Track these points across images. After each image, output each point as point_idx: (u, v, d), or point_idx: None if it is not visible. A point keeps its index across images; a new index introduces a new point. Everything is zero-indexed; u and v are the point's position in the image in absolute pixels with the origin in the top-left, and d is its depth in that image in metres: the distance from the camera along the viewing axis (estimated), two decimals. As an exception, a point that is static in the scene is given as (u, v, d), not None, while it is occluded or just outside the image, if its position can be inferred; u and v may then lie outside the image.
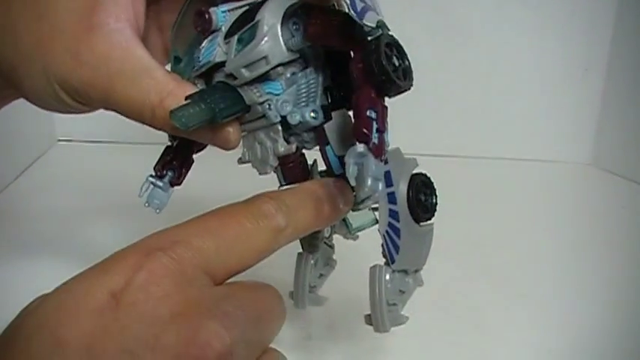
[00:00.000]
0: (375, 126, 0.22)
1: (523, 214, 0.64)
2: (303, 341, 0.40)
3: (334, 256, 0.34)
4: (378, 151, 0.21)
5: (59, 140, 0.77)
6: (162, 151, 0.31)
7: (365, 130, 0.21)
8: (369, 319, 0.27)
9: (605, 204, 0.69)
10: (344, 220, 0.29)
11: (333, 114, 0.26)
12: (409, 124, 0.73)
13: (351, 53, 0.23)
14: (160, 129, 0.27)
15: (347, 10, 0.23)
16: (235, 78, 0.25)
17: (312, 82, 0.25)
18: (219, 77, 0.26)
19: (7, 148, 0.63)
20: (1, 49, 0.27)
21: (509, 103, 0.80)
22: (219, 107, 0.23)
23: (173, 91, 0.25)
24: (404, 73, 0.23)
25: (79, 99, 0.28)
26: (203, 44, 0.26)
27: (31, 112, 0.72)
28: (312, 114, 0.25)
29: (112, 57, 0.26)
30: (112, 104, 0.27)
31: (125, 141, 0.77)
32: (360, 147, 0.21)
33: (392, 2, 0.82)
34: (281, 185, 0.28)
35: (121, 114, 0.28)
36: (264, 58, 0.24)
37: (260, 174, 0.27)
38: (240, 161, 0.28)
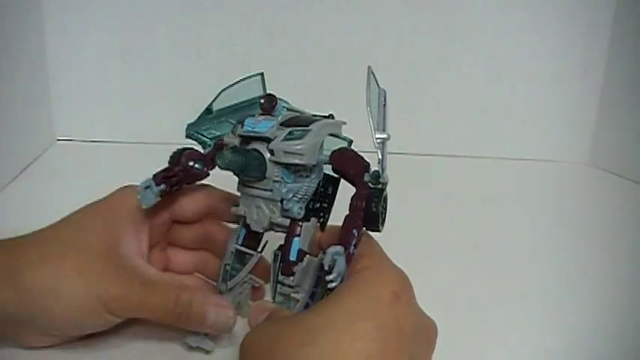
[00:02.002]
0: (353, 241, 0.30)
1: (521, 214, 0.64)
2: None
3: None
4: (349, 258, 0.30)
5: (58, 139, 0.77)
6: (167, 163, 0.37)
7: (347, 240, 0.30)
8: None
9: (603, 203, 0.69)
10: (274, 291, 0.35)
11: (312, 219, 0.35)
12: (407, 123, 0.73)
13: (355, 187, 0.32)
14: (179, 318, 0.35)
15: (378, 161, 0.32)
16: (272, 154, 0.32)
17: (310, 188, 0.34)
18: (255, 145, 0.33)
19: (6, 148, 0.63)
20: (35, 280, 0.34)
21: (508, 103, 0.80)
22: (250, 164, 0.31)
23: (179, 290, 0.35)
24: (383, 221, 0.32)
25: (113, 306, 0.34)
26: (260, 118, 0.33)
27: (30, 111, 0.72)
28: (300, 210, 0.34)
29: (137, 273, 0.35)
30: (145, 306, 0.35)
31: (124, 140, 0.77)
32: (340, 248, 0.29)
33: (392, 3, 0.82)
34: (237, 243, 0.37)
35: (148, 312, 0.35)
36: (301, 155, 0.32)
37: (252, 229, 0.35)
38: (235, 211, 0.35)
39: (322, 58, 0.76)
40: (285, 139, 0.32)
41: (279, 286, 0.34)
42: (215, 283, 0.39)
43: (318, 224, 0.35)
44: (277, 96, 0.34)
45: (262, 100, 0.33)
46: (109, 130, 0.78)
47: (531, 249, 0.56)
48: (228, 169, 0.31)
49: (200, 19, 0.75)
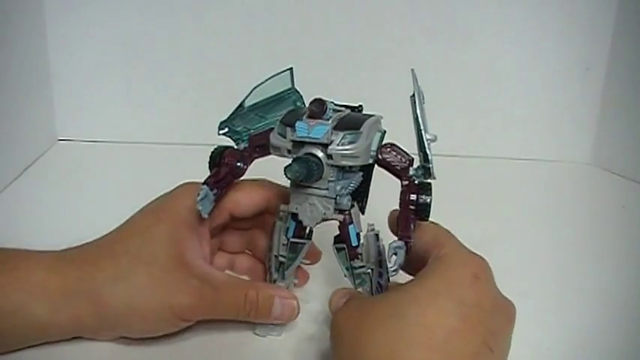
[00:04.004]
0: (412, 233, 0.34)
1: (523, 214, 0.64)
2: (305, 341, 0.40)
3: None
4: (409, 249, 0.33)
5: (59, 140, 0.77)
6: (211, 171, 0.39)
7: (408, 235, 0.34)
8: None
9: (604, 203, 0.69)
10: (353, 277, 0.38)
11: (355, 204, 0.38)
12: (409, 124, 0.73)
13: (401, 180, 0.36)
14: (249, 314, 0.38)
15: (426, 159, 0.35)
16: (329, 157, 0.34)
17: (358, 181, 0.37)
18: (309, 148, 0.35)
19: (7, 147, 0.64)
20: (112, 297, 0.36)
21: (510, 102, 0.80)
22: (313, 171, 0.34)
23: (246, 288, 0.38)
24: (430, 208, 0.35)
25: (187, 314, 0.37)
26: (312, 123, 0.34)
27: (32, 111, 0.72)
28: (348, 201, 0.36)
29: (206, 279, 0.37)
30: (218, 309, 0.38)
31: (125, 141, 0.77)
32: (401, 242, 0.33)
33: (393, 3, 0.82)
34: (287, 238, 0.39)
35: (219, 313, 0.38)
36: (357, 157, 0.34)
37: (304, 225, 0.37)
38: (287, 209, 0.38)
39: (322, 57, 0.76)
40: (341, 143, 0.34)
41: (353, 270, 0.38)
42: (263, 262, 0.44)
43: (359, 207, 0.39)
44: (324, 98, 0.35)
45: (313, 107, 0.34)
46: (110, 131, 0.78)
47: (533, 249, 0.56)
48: (296, 179, 0.34)
49: (200, 19, 0.75)
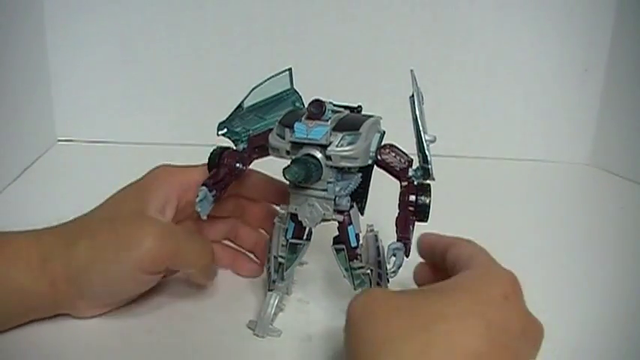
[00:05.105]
0: (411, 235, 0.34)
1: (522, 214, 0.64)
2: (304, 341, 0.40)
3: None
4: (407, 251, 0.34)
5: (59, 140, 0.77)
6: (210, 172, 0.40)
7: (407, 236, 0.34)
8: None
9: (603, 203, 0.69)
10: (352, 278, 0.38)
11: (354, 205, 0.38)
12: (409, 125, 0.73)
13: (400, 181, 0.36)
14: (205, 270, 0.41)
15: (425, 160, 0.35)
16: (329, 159, 0.34)
17: (357, 182, 0.36)
18: (308, 149, 0.35)
19: (7, 148, 0.64)
20: (77, 255, 0.37)
21: (509, 103, 0.81)
22: (312, 172, 0.34)
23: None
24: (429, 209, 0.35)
25: (147, 263, 0.36)
26: (311, 124, 0.34)
27: (31, 112, 0.72)
28: (348, 202, 0.36)
29: (166, 225, 0.38)
30: (180, 255, 0.38)
31: (124, 141, 0.78)
32: (400, 244, 0.34)
33: (393, 3, 0.82)
34: (286, 239, 0.39)
35: (182, 260, 0.39)
36: (355, 158, 0.34)
37: (303, 225, 0.37)
38: (286, 209, 0.38)
39: (322, 58, 0.76)
40: (340, 144, 0.34)
41: (352, 271, 0.38)
42: (243, 251, 0.47)
43: (358, 208, 0.39)
44: (322, 99, 0.35)
45: (312, 108, 0.34)
46: (109, 131, 0.78)
47: (532, 249, 0.56)
48: (295, 181, 0.33)
49: (200, 20, 0.75)
